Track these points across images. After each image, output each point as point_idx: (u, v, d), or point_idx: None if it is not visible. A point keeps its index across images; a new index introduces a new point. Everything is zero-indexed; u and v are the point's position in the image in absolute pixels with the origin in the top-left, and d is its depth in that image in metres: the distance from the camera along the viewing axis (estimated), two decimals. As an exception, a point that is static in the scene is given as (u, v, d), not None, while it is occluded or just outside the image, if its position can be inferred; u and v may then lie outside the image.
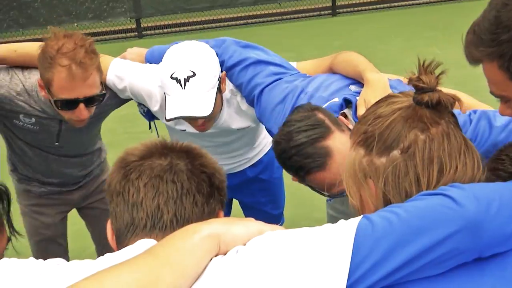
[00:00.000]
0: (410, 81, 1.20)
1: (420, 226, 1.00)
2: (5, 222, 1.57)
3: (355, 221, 1.02)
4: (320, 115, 1.86)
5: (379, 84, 1.98)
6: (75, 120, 2.30)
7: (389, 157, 1.15)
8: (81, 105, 2.24)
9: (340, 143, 1.80)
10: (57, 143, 2.55)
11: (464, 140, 1.18)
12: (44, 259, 1.14)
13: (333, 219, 2.12)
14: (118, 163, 1.20)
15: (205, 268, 1.00)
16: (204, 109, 2.18)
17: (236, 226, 1.05)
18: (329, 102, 2.02)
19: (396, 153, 1.14)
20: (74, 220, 3.15)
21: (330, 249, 0.98)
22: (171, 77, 2.18)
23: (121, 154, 1.22)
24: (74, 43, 2.18)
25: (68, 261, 1.14)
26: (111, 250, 3.56)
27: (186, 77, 2.16)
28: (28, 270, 1.07)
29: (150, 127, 2.64)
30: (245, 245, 1.02)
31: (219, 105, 2.32)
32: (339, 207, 2.66)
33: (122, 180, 1.17)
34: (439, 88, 1.18)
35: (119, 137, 5.43)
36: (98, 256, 3.50)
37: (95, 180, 2.92)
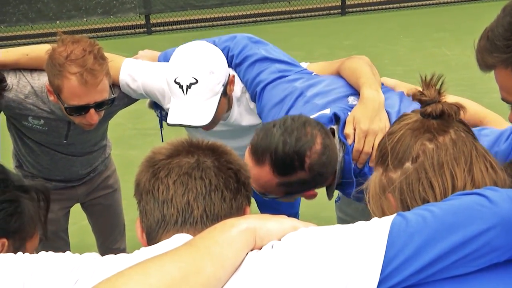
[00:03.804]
0: (414, 96, 1.28)
1: (454, 223, 1.01)
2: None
3: (389, 218, 1.04)
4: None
5: (372, 104, 1.93)
6: (85, 124, 2.31)
7: (402, 169, 1.20)
8: (92, 110, 2.24)
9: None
10: (65, 141, 2.57)
11: (475, 146, 1.21)
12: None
13: (342, 222, 2.10)
14: (146, 162, 1.22)
15: (242, 261, 1.02)
16: (202, 118, 2.18)
17: (270, 222, 1.08)
18: (319, 113, 1.99)
19: (408, 164, 1.20)
20: (74, 220, 3.17)
21: (365, 244, 0.99)
22: (175, 81, 2.19)
23: (149, 154, 1.24)
24: (82, 49, 2.16)
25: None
26: (111, 241, 3.53)
27: (188, 84, 2.16)
28: (66, 263, 1.10)
29: (161, 126, 2.65)
30: (279, 240, 1.05)
31: (224, 108, 2.32)
32: (346, 209, 2.65)
33: (151, 179, 1.19)
34: (443, 98, 1.24)
35: (127, 133, 5.46)
36: (99, 249, 3.44)
37: (99, 176, 2.92)
